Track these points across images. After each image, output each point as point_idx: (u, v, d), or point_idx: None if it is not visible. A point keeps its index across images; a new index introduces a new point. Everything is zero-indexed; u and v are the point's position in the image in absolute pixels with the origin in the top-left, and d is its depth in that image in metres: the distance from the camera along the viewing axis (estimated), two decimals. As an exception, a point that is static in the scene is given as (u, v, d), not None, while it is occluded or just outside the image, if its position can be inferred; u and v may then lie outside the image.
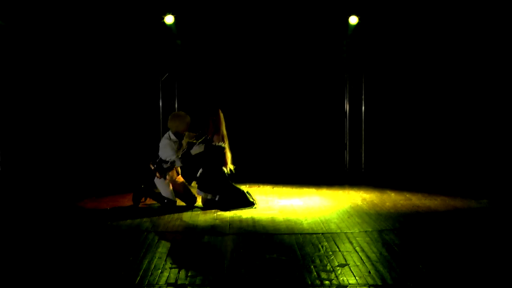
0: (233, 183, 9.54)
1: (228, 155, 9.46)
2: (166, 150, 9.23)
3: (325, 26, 12.81)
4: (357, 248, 6.83)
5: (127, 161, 12.75)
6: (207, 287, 5.54)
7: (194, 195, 9.51)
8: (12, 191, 10.65)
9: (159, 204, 9.36)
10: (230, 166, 9.51)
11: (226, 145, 9.37)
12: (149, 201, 9.53)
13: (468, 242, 7.12)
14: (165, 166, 9.21)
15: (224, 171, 9.35)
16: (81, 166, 12.50)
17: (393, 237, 7.38)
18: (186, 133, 9.43)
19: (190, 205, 9.40)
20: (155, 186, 9.44)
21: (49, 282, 5.62)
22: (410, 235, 7.50)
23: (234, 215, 8.79)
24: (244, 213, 8.94)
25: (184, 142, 9.38)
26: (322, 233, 7.59)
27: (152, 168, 9.23)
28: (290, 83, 13.36)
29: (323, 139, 13.34)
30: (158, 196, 9.37)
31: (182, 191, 9.46)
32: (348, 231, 7.73)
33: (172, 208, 9.19)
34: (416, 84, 12.98)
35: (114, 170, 12.49)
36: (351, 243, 7.09)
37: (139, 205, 9.35)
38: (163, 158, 9.26)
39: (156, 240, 7.21)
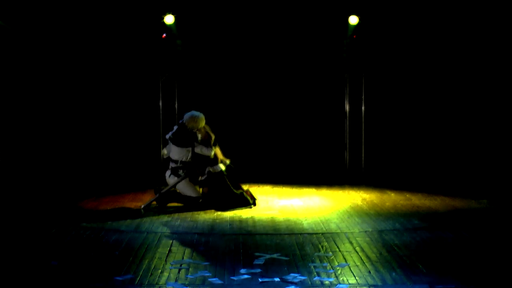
0: (232, 183, 9.54)
1: (218, 151, 9.53)
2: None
3: (325, 26, 12.79)
4: (357, 248, 6.83)
5: (127, 161, 12.74)
6: (207, 287, 5.54)
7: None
8: (12, 191, 10.65)
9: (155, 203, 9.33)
10: (224, 160, 9.55)
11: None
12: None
13: (468, 242, 7.12)
14: (180, 172, 9.38)
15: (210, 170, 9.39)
16: (81, 166, 12.50)
17: (393, 237, 7.38)
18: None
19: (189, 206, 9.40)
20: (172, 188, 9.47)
21: (49, 282, 5.62)
22: (410, 235, 7.50)
23: (234, 215, 8.79)
24: (244, 213, 8.94)
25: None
26: (322, 233, 7.59)
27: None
28: (290, 83, 13.34)
29: (323, 139, 13.32)
30: (181, 197, 9.38)
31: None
32: (348, 231, 7.73)
33: (198, 204, 9.21)
34: (416, 84, 12.96)
35: (114, 170, 12.48)
36: (351, 243, 7.09)
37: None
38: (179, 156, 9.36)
39: (156, 240, 7.22)
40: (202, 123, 9.44)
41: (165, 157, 9.80)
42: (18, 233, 7.63)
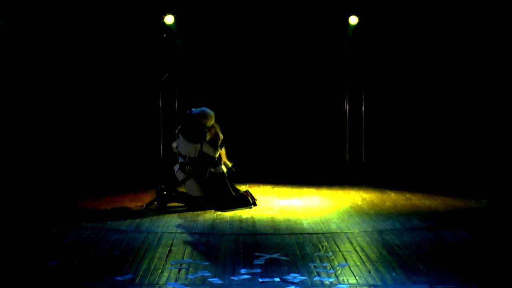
0: (232, 186, 9.54)
1: (223, 152, 9.53)
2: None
3: (325, 26, 12.79)
4: (357, 248, 6.84)
5: (127, 161, 12.74)
6: (207, 287, 5.54)
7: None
8: (12, 191, 10.64)
9: (156, 204, 9.34)
10: (227, 162, 9.55)
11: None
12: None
13: (468, 242, 7.12)
14: (187, 168, 9.39)
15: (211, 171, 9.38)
16: (81, 166, 12.50)
17: (393, 237, 7.38)
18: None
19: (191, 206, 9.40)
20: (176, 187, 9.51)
21: (49, 282, 5.62)
22: (410, 235, 7.50)
23: (234, 215, 8.80)
24: (244, 213, 8.94)
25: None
26: (322, 233, 7.59)
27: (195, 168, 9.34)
28: (290, 83, 13.33)
29: (323, 139, 13.32)
30: (181, 197, 9.40)
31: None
32: (348, 231, 7.74)
33: (199, 204, 9.22)
34: (416, 84, 12.96)
35: (114, 170, 12.48)
36: (351, 243, 7.09)
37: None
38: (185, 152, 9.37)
39: (156, 240, 7.22)
40: (211, 122, 9.43)
41: (174, 150, 9.79)
42: (18, 233, 7.63)
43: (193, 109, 9.50)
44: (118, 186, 11.33)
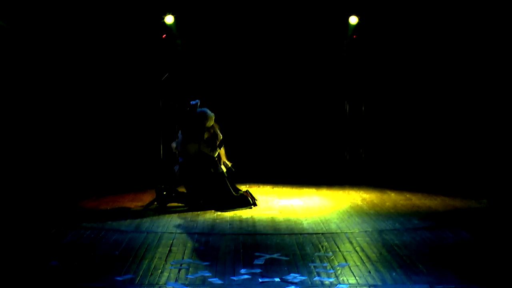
0: (232, 185, 9.54)
1: (222, 152, 9.53)
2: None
3: (325, 26, 12.79)
4: (357, 248, 6.84)
5: (127, 161, 12.74)
6: (207, 287, 5.54)
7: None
8: (12, 191, 10.64)
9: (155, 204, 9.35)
10: (227, 162, 9.56)
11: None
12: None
13: (468, 242, 7.12)
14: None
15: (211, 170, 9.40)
16: (81, 166, 12.50)
17: (393, 237, 7.38)
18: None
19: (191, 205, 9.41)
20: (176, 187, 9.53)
21: (49, 282, 5.62)
22: (410, 235, 7.50)
23: (234, 215, 8.80)
24: (244, 213, 8.95)
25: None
26: (322, 233, 7.59)
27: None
28: (290, 83, 13.33)
29: (323, 139, 13.32)
30: (181, 197, 9.40)
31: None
32: (348, 231, 7.74)
33: (199, 204, 9.25)
34: (416, 83, 12.96)
35: (114, 170, 12.48)
36: (351, 243, 7.09)
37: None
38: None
39: (156, 240, 7.22)
40: (210, 123, 9.43)
41: (174, 150, 9.79)
42: (18, 233, 7.63)
43: (194, 101, 9.50)
44: (118, 186, 11.33)
